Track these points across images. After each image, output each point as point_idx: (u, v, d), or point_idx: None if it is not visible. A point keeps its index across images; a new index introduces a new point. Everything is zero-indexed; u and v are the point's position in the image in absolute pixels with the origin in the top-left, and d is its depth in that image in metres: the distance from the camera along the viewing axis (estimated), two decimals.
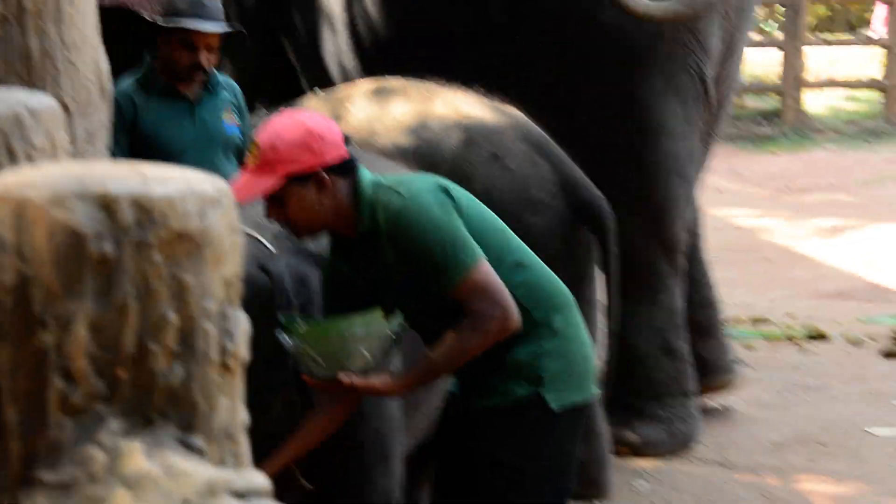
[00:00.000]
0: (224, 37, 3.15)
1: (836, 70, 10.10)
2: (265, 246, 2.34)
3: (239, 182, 2.21)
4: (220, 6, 3.18)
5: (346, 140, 2.28)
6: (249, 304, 1.95)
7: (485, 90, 3.44)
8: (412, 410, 2.64)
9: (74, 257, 0.78)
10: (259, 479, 0.73)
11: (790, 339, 5.10)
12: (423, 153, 3.19)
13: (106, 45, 2.92)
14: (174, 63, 3.07)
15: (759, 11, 9.70)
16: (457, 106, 3.34)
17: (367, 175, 2.27)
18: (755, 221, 7.36)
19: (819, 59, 9.95)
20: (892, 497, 3.65)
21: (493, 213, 2.39)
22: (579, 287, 3.14)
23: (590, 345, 2.46)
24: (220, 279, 0.83)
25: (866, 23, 11.08)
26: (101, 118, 2.20)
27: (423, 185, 2.28)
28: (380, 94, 3.39)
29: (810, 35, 9.65)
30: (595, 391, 2.47)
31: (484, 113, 3.36)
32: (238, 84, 3.27)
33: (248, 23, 3.81)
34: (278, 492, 2.53)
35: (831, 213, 7.33)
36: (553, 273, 2.41)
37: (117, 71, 3.27)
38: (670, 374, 3.98)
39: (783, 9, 9.29)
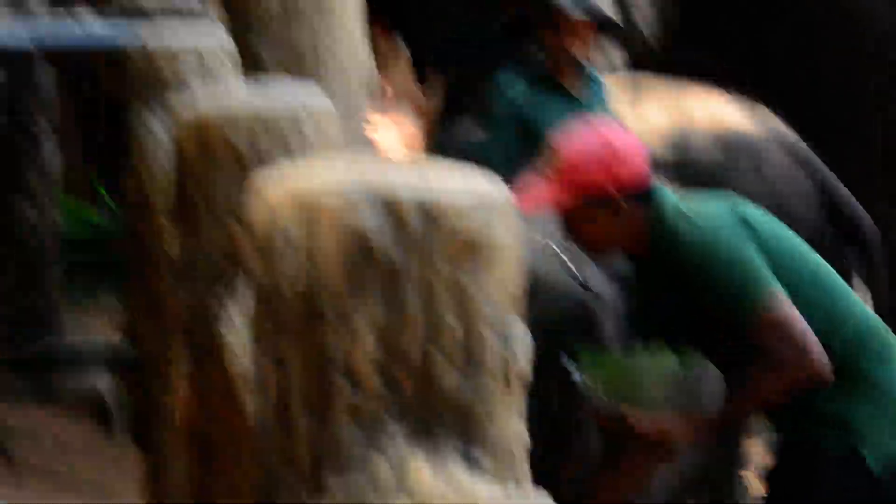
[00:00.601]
0: (599, 30, 3.11)
1: None
2: (584, 278, 2.30)
3: (535, 190, 2.13)
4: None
5: (651, 162, 2.18)
6: (575, 332, 1.95)
7: (748, 95, 3.33)
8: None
9: (362, 261, 0.76)
10: (546, 502, 0.69)
11: None
12: (681, 159, 3.11)
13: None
14: (560, 55, 3.06)
15: None
16: (715, 112, 3.23)
17: (666, 200, 2.15)
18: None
19: None
20: None
21: (808, 247, 2.19)
22: None
23: None
24: (503, 290, 0.80)
25: None
26: (364, 118, 2.24)
27: (720, 213, 2.12)
28: (634, 92, 3.30)
29: None
30: None
31: (744, 121, 3.24)
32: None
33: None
34: None
35: None
36: (877, 318, 2.19)
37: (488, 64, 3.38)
38: None
39: None
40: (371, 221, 0.75)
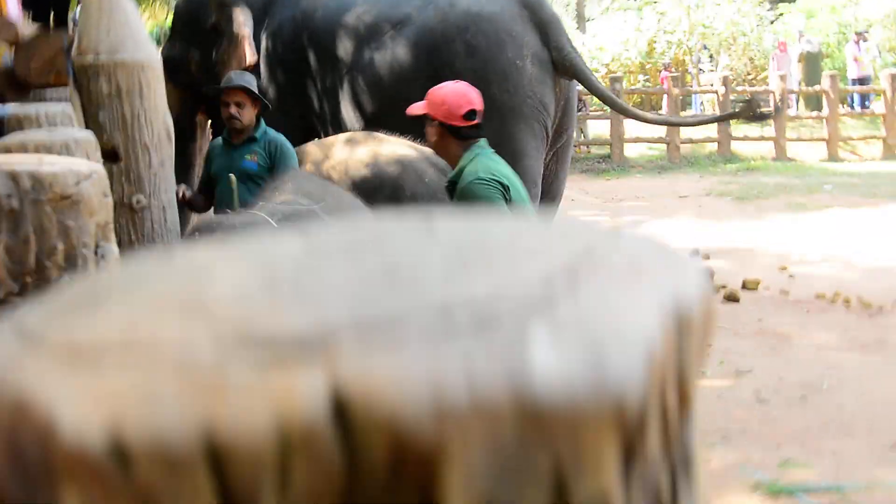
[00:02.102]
0: (254, 98, 3.87)
1: (642, 132, 13.89)
2: (272, 224, 2.74)
3: (416, 104, 2.83)
4: (251, 80, 3.96)
5: (470, 114, 2.74)
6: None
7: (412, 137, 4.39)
8: None
9: None
10: None
11: None
12: (377, 176, 4.13)
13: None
14: (223, 118, 3.87)
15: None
16: (394, 148, 4.28)
17: (477, 146, 2.74)
18: (591, 218, 9.71)
19: (634, 126, 13.71)
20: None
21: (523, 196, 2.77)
22: None
23: None
24: (93, 223, 1.09)
25: (661, 106, 15.76)
26: (168, 152, 2.72)
27: (494, 173, 2.67)
28: (350, 142, 4.33)
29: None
30: None
31: (411, 151, 4.28)
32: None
33: (287, 103, 5.29)
34: None
35: (635, 213, 9.71)
36: None
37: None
38: None
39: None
40: (1, 186, 1.05)
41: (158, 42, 22.83)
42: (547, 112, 5.00)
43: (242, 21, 5.38)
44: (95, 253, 1.09)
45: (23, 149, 1.69)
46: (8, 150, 1.72)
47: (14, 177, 1.05)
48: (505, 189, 2.63)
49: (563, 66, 4.97)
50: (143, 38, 2.72)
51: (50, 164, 1.07)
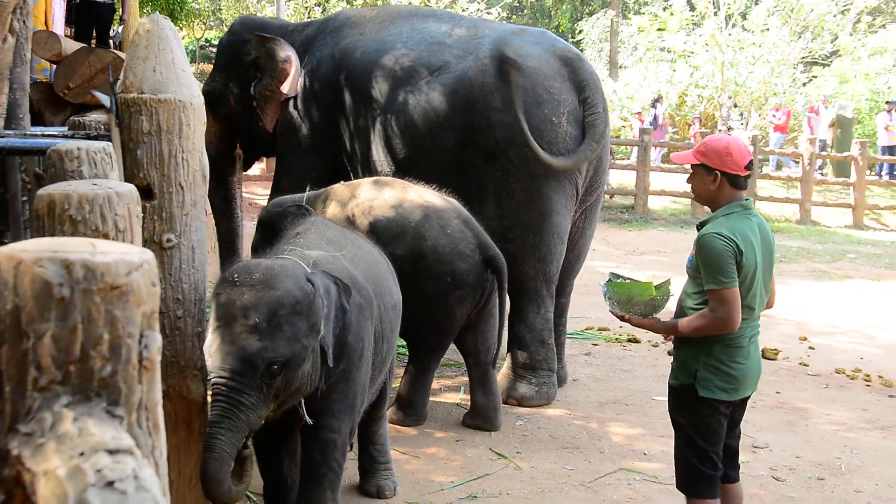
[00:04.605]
0: None
1: (667, 185, 14.06)
2: (308, 270, 2.78)
3: (682, 153, 2.95)
4: None
5: (749, 165, 2.86)
6: (307, 299, 2.44)
7: (437, 186, 4.54)
8: (371, 383, 3.11)
9: (46, 296, 1.02)
10: (125, 442, 0.93)
11: (618, 341, 6.64)
12: (399, 222, 4.19)
13: None
14: None
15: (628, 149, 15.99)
16: (421, 195, 4.33)
17: (740, 203, 2.87)
18: (612, 269, 9.83)
19: (659, 178, 14.17)
20: (660, 437, 4.60)
21: (757, 272, 2.87)
22: (486, 305, 4.40)
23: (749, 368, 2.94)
24: (140, 313, 1.06)
25: None
26: (201, 192, 2.65)
27: (736, 234, 2.80)
28: (378, 184, 4.39)
29: (653, 164, 14.17)
30: (743, 395, 2.97)
31: (436, 200, 4.36)
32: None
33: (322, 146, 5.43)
34: (288, 419, 2.99)
35: (655, 267, 9.40)
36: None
37: None
38: (542, 356, 4.99)
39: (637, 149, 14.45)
40: (52, 272, 1.02)
41: (193, 56, 23.04)
42: (579, 170, 4.96)
43: (285, 56, 5.43)
44: (139, 342, 1.07)
45: (67, 200, 1.68)
46: (52, 200, 1.71)
47: (67, 266, 1.03)
48: (738, 252, 2.78)
49: (585, 123, 4.93)
50: (188, 77, 2.72)
51: (103, 254, 1.05)
